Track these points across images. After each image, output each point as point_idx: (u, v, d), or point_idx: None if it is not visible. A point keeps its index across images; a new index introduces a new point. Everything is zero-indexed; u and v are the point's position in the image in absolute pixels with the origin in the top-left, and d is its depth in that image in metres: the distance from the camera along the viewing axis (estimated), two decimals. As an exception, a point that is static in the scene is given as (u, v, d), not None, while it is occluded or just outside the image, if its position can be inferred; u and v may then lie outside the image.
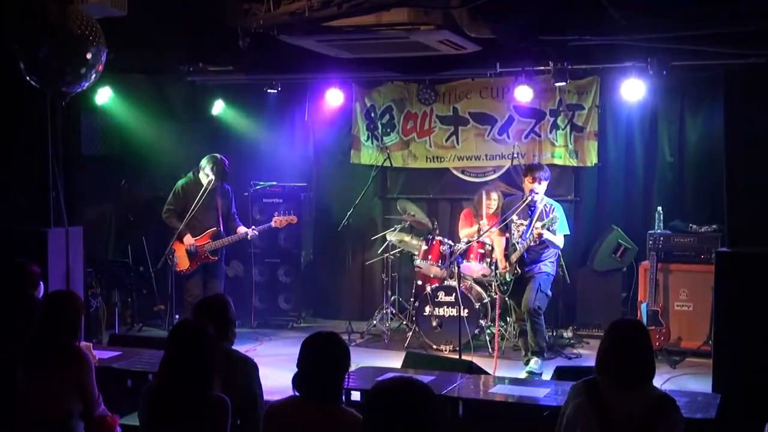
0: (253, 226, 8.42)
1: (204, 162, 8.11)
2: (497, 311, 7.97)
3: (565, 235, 7.38)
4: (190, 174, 8.24)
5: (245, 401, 4.09)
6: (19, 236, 6.46)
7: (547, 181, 7.38)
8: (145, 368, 5.57)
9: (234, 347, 4.47)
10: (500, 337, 8.40)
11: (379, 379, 4.08)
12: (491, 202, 8.56)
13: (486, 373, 6.23)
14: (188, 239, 8.02)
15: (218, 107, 9.71)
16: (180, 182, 8.26)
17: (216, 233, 8.15)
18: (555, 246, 7.30)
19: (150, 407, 3.78)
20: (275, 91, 9.14)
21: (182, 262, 8.06)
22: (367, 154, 9.83)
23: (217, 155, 8.16)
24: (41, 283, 5.28)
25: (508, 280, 7.43)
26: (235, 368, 4.15)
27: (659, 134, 8.81)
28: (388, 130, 9.72)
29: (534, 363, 7.31)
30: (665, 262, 8.11)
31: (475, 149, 9.40)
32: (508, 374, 7.00)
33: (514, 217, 7.41)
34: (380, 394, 2.64)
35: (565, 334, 8.60)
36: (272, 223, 8.45)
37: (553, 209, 7.30)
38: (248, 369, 4.31)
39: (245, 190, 9.55)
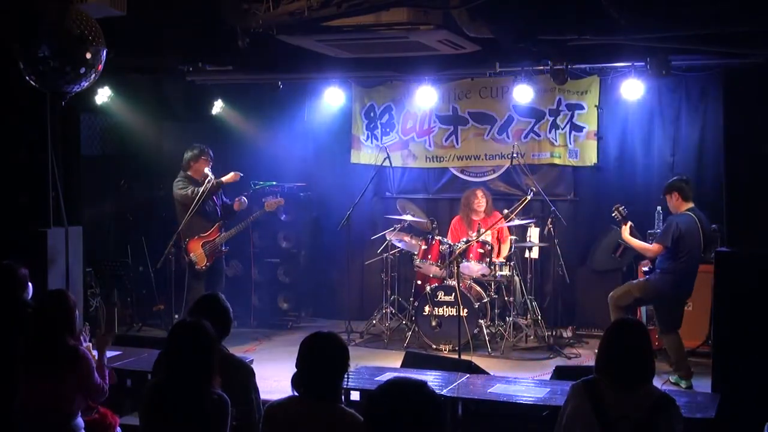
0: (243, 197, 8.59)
1: (209, 158, 8.14)
2: None
3: (666, 247, 7.00)
4: (180, 173, 8.21)
5: (242, 406, 4.10)
6: (19, 236, 6.46)
7: (671, 193, 7.17)
8: (145, 368, 5.58)
9: (232, 348, 4.47)
10: (500, 336, 8.42)
11: (379, 378, 4.07)
12: (481, 200, 8.63)
13: (485, 372, 6.24)
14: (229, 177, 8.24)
15: (218, 107, 9.71)
16: (191, 187, 8.19)
17: (223, 224, 8.36)
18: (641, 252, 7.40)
19: (150, 406, 3.78)
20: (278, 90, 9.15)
21: (201, 260, 8.18)
22: (367, 154, 9.83)
23: (201, 147, 8.22)
24: (29, 285, 5.28)
25: None
26: (232, 372, 4.14)
27: (659, 134, 8.81)
28: (388, 130, 9.72)
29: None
30: (665, 261, 8.11)
31: (474, 149, 9.40)
32: (509, 374, 7.00)
33: None
34: (383, 395, 2.64)
35: (564, 334, 8.60)
36: (264, 208, 8.61)
37: (669, 219, 7.17)
38: (245, 373, 4.31)
39: (245, 190, 9.55)
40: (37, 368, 4.46)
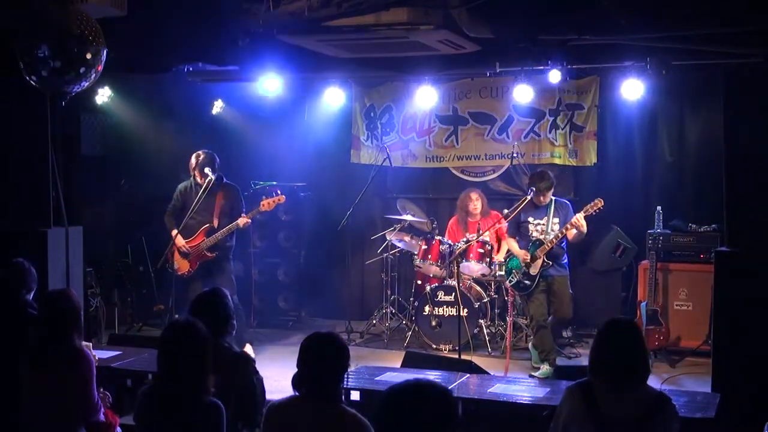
0: (243, 214, 7.94)
1: (196, 162, 7.87)
2: (509, 311, 7.95)
3: None
4: (191, 177, 8.15)
5: (244, 397, 4.11)
6: (19, 236, 6.46)
7: (551, 187, 7.47)
8: (145, 368, 5.58)
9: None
10: (500, 336, 8.42)
11: (379, 378, 4.04)
12: (475, 203, 8.61)
13: (485, 372, 6.23)
14: (179, 241, 7.78)
15: (218, 107, 9.71)
16: (180, 186, 8.13)
17: (209, 229, 7.88)
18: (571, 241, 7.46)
19: (144, 410, 3.76)
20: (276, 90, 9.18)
21: (182, 266, 7.89)
22: (367, 154, 9.84)
23: (202, 152, 7.88)
24: (33, 286, 5.26)
25: (533, 274, 7.36)
26: (230, 367, 4.14)
27: (659, 134, 8.82)
28: (388, 130, 9.72)
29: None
30: (665, 261, 8.12)
31: (474, 149, 9.40)
32: (510, 374, 7.00)
33: (530, 218, 7.46)
34: (406, 393, 2.61)
35: (564, 334, 8.58)
36: (260, 207, 8.00)
37: (567, 205, 7.52)
38: (245, 365, 4.31)
39: (245, 190, 9.53)
40: (39, 369, 4.44)
